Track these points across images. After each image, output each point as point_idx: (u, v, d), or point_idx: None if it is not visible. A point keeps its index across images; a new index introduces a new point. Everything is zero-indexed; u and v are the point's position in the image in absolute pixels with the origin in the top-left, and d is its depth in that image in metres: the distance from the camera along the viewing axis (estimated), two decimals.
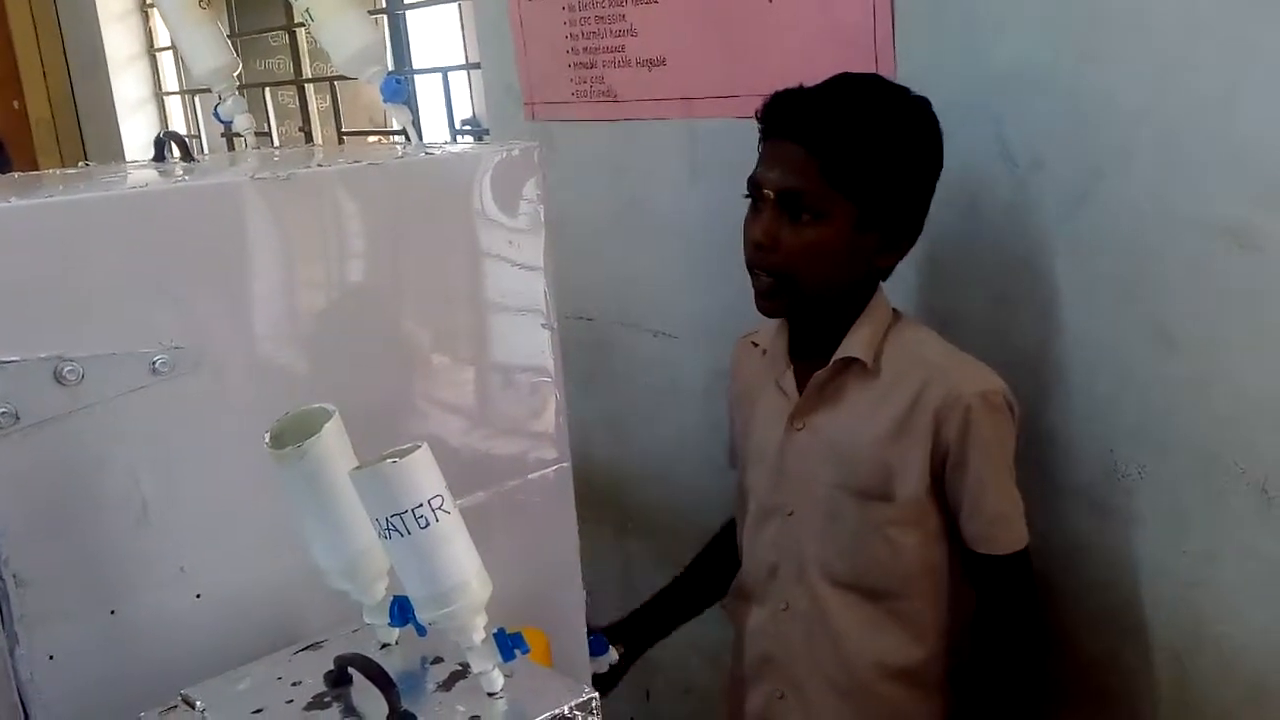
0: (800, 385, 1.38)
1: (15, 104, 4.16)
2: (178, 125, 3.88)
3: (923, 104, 1.30)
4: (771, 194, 1.29)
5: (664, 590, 1.61)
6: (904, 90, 1.30)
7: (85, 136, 4.15)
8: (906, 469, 1.30)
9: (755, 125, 1.34)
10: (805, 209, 1.27)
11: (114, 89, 3.85)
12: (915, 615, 1.35)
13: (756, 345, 1.45)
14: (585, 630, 1.29)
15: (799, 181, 1.27)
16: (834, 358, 1.33)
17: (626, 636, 1.53)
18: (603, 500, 2.10)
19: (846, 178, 1.26)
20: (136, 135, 3.87)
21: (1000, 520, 1.31)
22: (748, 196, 1.33)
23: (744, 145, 1.38)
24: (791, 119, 1.29)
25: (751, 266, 1.33)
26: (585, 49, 1.91)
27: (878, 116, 1.28)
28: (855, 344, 1.32)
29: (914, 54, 1.44)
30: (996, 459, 1.29)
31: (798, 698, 1.41)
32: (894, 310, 1.37)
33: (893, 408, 1.31)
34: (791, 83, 1.32)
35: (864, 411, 1.33)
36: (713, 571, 1.57)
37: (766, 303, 1.34)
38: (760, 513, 1.43)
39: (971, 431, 1.27)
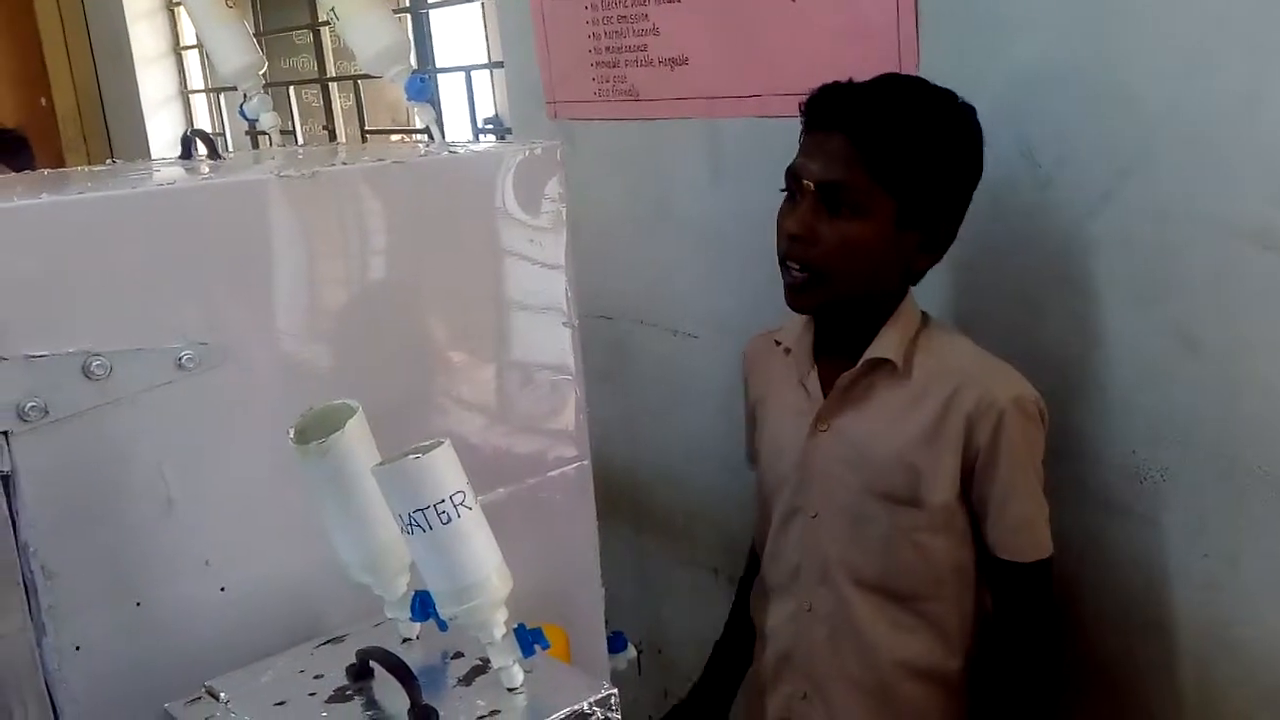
0: (825, 385, 1.36)
1: (42, 100, 4.19)
2: (203, 122, 3.91)
3: (968, 109, 1.29)
4: (812, 185, 1.26)
5: (712, 660, 1.60)
6: (951, 94, 1.29)
7: (111, 133, 4.18)
8: (937, 475, 1.29)
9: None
10: (845, 203, 1.25)
11: (140, 86, 3.88)
12: (941, 617, 1.34)
13: (779, 344, 1.43)
14: (604, 627, 1.29)
15: (842, 173, 1.24)
16: (863, 359, 1.31)
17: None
18: (620, 498, 2.10)
19: (891, 172, 1.24)
20: (162, 132, 3.90)
21: (1024, 528, 1.29)
22: (784, 190, 1.31)
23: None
24: (838, 111, 1.27)
25: (784, 260, 1.30)
26: (608, 48, 1.92)
27: (924, 115, 1.26)
28: (886, 345, 1.30)
29: (937, 53, 1.44)
30: (1025, 466, 1.28)
31: (820, 697, 1.40)
32: (923, 313, 1.35)
33: (923, 412, 1.29)
34: (814, 83, 1.31)
35: (893, 415, 1.31)
36: (747, 632, 1.55)
37: (798, 298, 1.31)
38: (783, 513, 1.41)
39: (1003, 437, 1.26)
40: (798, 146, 1.32)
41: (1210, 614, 1.32)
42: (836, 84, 1.29)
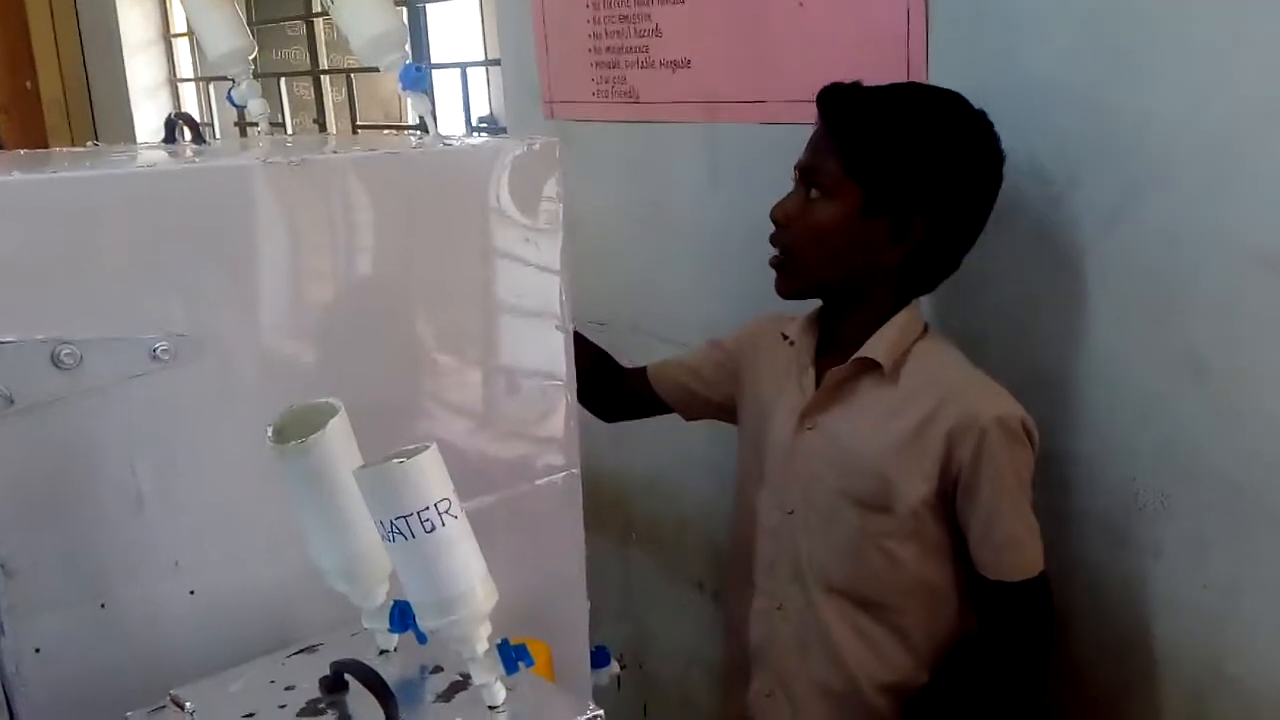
0: (819, 386, 1.37)
1: (28, 84, 4.14)
2: (191, 112, 3.86)
3: (972, 115, 1.29)
4: (797, 172, 1.33)
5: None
6: (956, 96, 1.30)
7: (97, 119, 4.14)
8: (909, 484, 1.28)
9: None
10: (818, 186, 1.31)
11: (128, 72, 3.84)
12: (909, 630, 1.34)
13: (786, 336, 1.43)
14: (588, 642, 1.26)
15: (815, 159, 1.31)
16: (853, 357, 1.32)
17: None
18: (606, 509, 2.08)
19: (857, 159, 1.28)
20: (149, 120, 3.87)
21: (1011, 546, 1.28)
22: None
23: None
24: (827, 105, 1.32)
25: (771, 243, 1.36)
26: (608, 48, 1.89)
27: (907, 109, 1.29)
28: (877, 347, 1.31)
29: (947, 64, 1.42)
30: (1010, 486, 1.27)
31: (786, 697, 1.41)
32: (926, 324, 1.35)
33: (904, 421, 1.29)
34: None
35: (874, 419, 1.31)
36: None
37: (778, 281, 1.36)
38: (761, 506, 1.42)
39: (985, 457, 1.25)
40: (801, 152, 1.34)
41: (1208, 647, 1.30)
42: (839, 83, 1.32)
